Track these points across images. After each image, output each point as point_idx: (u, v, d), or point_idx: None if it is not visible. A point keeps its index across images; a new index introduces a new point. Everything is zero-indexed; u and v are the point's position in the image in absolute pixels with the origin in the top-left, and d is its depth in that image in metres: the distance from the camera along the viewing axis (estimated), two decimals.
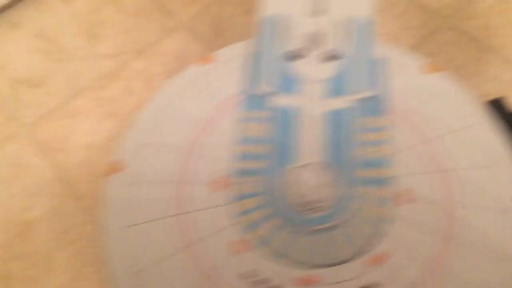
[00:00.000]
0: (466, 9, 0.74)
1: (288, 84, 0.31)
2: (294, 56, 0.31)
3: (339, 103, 0.30)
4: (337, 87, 0.30)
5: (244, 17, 0.77)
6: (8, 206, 0.64)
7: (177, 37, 0.77)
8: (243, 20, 0.77)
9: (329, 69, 0.31)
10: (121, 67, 0.75)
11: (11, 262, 0.61)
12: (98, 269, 0.59)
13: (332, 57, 0.31)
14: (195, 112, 0.31)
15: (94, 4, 0.81)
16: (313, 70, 0.31)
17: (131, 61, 0.75)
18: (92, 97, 0.72)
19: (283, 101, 0.30)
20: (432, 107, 0.30)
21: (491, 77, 0.68)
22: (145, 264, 0.27)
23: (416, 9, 0.75)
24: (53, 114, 0.71)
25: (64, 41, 0.78)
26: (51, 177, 0.67)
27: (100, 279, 0.59)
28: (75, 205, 0.64)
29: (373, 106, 0.30)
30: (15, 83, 0.75)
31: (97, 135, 0.69)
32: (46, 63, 0.76)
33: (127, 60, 0.75)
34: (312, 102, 0.30)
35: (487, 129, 0.30)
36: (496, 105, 0.31)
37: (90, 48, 0.77)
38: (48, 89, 0.74)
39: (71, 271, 0.60)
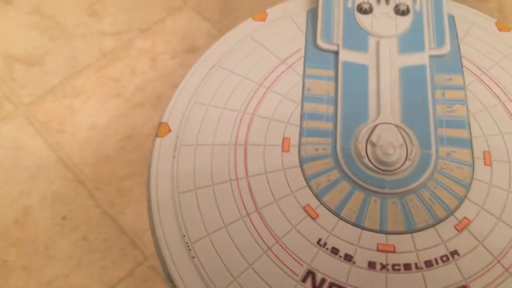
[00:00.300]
0: None
1: (354, 39, 0.28)
2: (361, 10, 0.29)
3: (413, 59, 0.27)
4: (409, 43, 0.28)
5: None
6: (4, 191, 0.60)
7: (182, 16, 0.74)
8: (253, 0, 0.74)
9: (399, 24, 0.28)
10: (124, 45, 0.71)
11: (8, 250, 0.57)
12: (103, 256, 0.56)
13: (402, 11, 0.28)
14: (251, 71, 0.28)
15: None
16: (382, 25, 0.29)
17: (134, 40, 0.71)
18: (94, 76, 0.68)
19: (351, 57, 0.27)
20: (506, 66, 0.28)
21: None
22: (208, 231, 0.24)
23: None
24: (52, 93, 0.67)
25: (62, 18, 0.74)
26: (51, 159, 0.63)
27: (103, 267, 0.55)
28: (77, 189, 0.60)
29: (448, 63, 0.28)
30: (11, 61, 0.71)
31: (100, 116, 0.65)
32: (44, 41, 0.72)
33: (130, 38, 0.72)
34: (383, 59, 0.27)
35: None
36: None
37: (90, 25, 0.73)
38: (47, 68, 0.69)
39: (72, 259, 0.56)
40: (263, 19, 0.33)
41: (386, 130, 0.27)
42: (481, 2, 0.72)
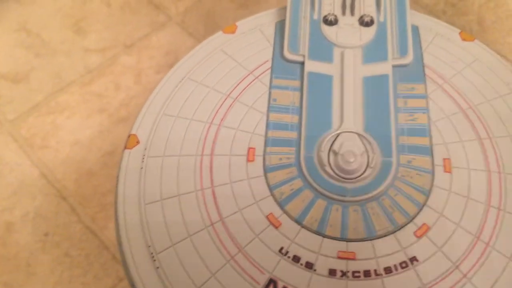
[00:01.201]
0: (458, 5, 0.74)
1: (320, 50, 0.29)
2: (327, 21, 0.29)
3: (376, 69, 0.28)
4: (372, 53, 0.29)
5: (237, 11, 0.75)
6: None
7: (167, 32, 0.75)
8: (236, 14, 0.75)
9: (364, 35, 0.29)
10: (109, 61, 0.72)
11: None
12: (84, 272, 0.55)
13: (366, 22, 0.29)
14: (219, 83, 0.29)
15: None
16: (347, 36, 0.29)
17: (119, 56, 0.72)
18: (78, 93, 0.68)
19: (316, 67, 0.28)
20: (468, 75, 0.28)
21: None
22: (173, 241, 0.24)
23: (411, 4, 0.74)
24: (37, 110, 0.67)
25: (48, 35, 0.74)
26: (34, 175, 0.63)
27: (84, 283, 0.55)
28: (59, 204, 0.60)
29: (411, 73, 0.28)
30: None
31: (84, 132, 0.65)
32: (29, 57, 0.73)
33: (115, 54, 0.72)
34: (348, 69, 0.28)
35: None
36: None
37: (76, 42, 0.74)
38: (32, 85, 0.70)
39: (53, 276, 0.56)
40: (233, 32, 0.34)
41: (348, 139, 0.27)
42: (461, 16, 0.73)
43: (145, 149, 0.29)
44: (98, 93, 0.68)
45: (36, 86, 0.69)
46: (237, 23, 0.34)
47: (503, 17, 0.72)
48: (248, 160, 0.28)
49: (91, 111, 0.67)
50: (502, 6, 0.73)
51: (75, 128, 0.65)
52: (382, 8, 0.32)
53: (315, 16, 0.32)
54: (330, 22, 0.31)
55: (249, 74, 0.31)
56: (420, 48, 0.31)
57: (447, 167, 0.27)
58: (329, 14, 0.32)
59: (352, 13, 0.32)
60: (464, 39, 0.32)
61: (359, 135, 0.27)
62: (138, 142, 0.29)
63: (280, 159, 0.28)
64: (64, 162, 0.63)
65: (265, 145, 0.28)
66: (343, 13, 0.32)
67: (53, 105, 0.67)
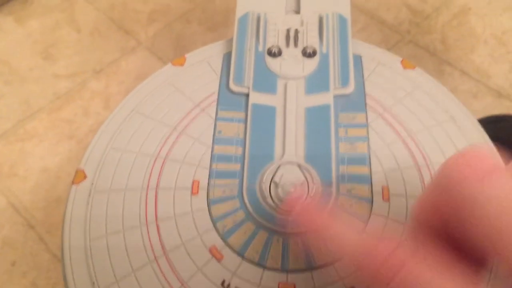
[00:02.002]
0: (422, 24, 0.76)
1: (264, 82, 0.30)
2: (271, 53, 0.30)
3: (318, 99, 0.29)
4: (314, 84, 0.30)
5: (206, 35, 0.76)
6: None
7: (136, 56, 0.75)
8: (205, 37, 0.76)
9: (306, 66, 0.30)
10: (78, 87, 0.72)
11: None
12: None
13: (309, 54, 0.30)
14: (166, 116, 0.30)
15: (48, 24, 0.79)
16: (290, 67, 0.30)
17: (88, 81, 0.72)
18: (47, 119, 0.69)
19: (260, 99, 0.29)
20: (408, 103, 0.29)
21: (451, 88, 0.69)
22: (117, 277, 0.24)
23: (376, 25, 0.76)
24: (4, 138, 0.67)
25: (17, 62, 0.75)
26: (1, 204, 0.62)
27: None
28: (27, 233, 0.60)
29: (353, 102, 0.29)
30: None
31: (52, 159, 0.65)
32: None
33: (84, 80, 0.73)
34: (290, 100, 0.29)
35: (462, 124, 0.29)
36: None
37: (45, 69, 0.74)
38: (0, 112, 0.70)
39: None
40: (182, 64, 0.34)
41: (288, 170, 0.28)
42: (425, 34, 0.75)
43: (92, 184, 0.29)
44: (67, 119, 0.69)
45: (4, 113, 0.69)
46: (186, 55, 0.35)
47: (466, 35, 0.74)
48: (192, 193, 0.28)
49: (60, 137, 0.67)
50: (465, 25, 0.75)
51: (43, 155, 0.65)
52: (324, 39, 0.32)
53: (260, 48, 0.33)
54: (274, 53, 0.32)
55: (195, 107, 0.31)
56: (362, 77, 0.32)
57: (385, 195, 0.27)
58: (273, 46, 0.32)
59: (296, 44, 0.32)
60: (405, 67, 0.33)
61: (299, 165, 0.28)
62: (85, 177, 0.30)
63: (224, 191, 0.28)
64: (33, 190, 0.63)
65: (209, 177, 0.28)
66: (287, 44, 0.33)
67: (21, 132, 0.67)
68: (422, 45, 0.73)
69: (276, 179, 0.27)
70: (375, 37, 0.74)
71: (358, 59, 0.33)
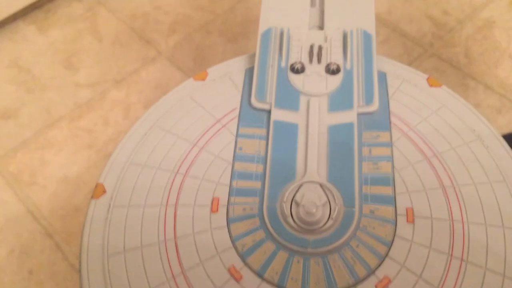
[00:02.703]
0: (445, 38, 0.75)
1: (286, 98, 0.29)
2: (293, 70, 0.30)
3: (341, 117, 0.28)
4: (338, 101, 0.29)
5: (226, 46, 0.76)
6: None
7: (157, 67, 0.76)
8: (225, 48, 0.76)
9: (330, 83, 0.29)
10: (99, 97, 0.72)
11: None
12: None
13: (332, 70, 0.29)
14: (187, 131, 0.30)
15: (71, 33, 0.79)
16: (313, 84, 0.30)
17: (109, 91, 0.73)
18: (67, 128, 0.69)
19: (282, 116, 0.29)
20: (434, 122, 0.29)
21: (475, 103, 0.67)
22: None
23: (398, 37, 0.75)
24: (25, 146, 0.68)
25: (39, 71, 0.76)
26: (20, 212, 0.63)
27: None
28: (45, 242, 0.60)
29: (377, 120, 0.29)
30: None
31: (72, 167, 0.66)
32: (20, 93, 0.73)
33: (104, 90, 0.73)
34: (313, 117, 0.29)
35: (489, 144, 0.28)
36: None
37: (66, 78, 0.75)
38: (21, 120, 0.71)
39: None
40: (203, 79, 0.34)
41: (310, 189, 0.27)
42: (448, 48, 0.74)
43: (111, 198, 0.29)
44: (86, 128, 0.69)
45: (26, 121, 0.70)
46: (208, 70, 0.34)
47: (489, 49, 0.73)
48: (212, 211, 0.28)
49: (79, 146, 0.67)
50: (489, 38, 0.74)
51: (63, 164, 0.66)
52: (348, 56, 0.32)
53: (283, 64, 0.32)
54: (297, 70, 0.32)
55: (216, 122, 0.31)
56: (387, 94, 0.31)
57: (410, 217, 0.27)
58: (296, 62, 0.32)
59: (319, 61, 0.32)
60: (431, 85, 0.32)
61: (321, 185, 0.27)
62: (104, 192, 0.29)
63: (244, 209, 0.28)
64: (51, 198, 0.63)
65: (229, 195, 0.28)
66: (310, 61, 0.32)
67: (41, 141, 0.68)
68: (445, 59, 0.72)
69: (298, 198, 0.27)
70: (397, 50, 0.73)
71: (382, 76, 0.33)
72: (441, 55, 0.73)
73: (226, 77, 0.34)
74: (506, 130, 0.63)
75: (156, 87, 0.73)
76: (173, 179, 0.29)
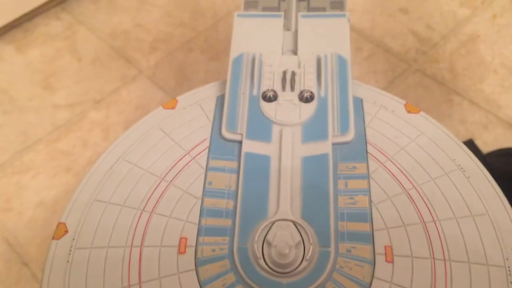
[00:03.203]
0: (429, 53, 0.74)
1: (258, 129, 0.28)
2: (265, 98, 0.28)
3: (316, 148, 0.27)
4: (312, 131, 0.28)
5: (208, 64, 0.75)
6: None
7: (137, 85, 0.74)
8: (207, 66, 0.75)
9: (303, 112, 0.28)
10: (77, 118, 0.70)
11: None
12: None
13: (306, 98, 0.28)
14: (154, 164, 0.28)
15: (49, 53, 0.78)
16: (286, 113, 0.28)
17: (88, 112, 0.71)
18: (45, 151, 0.67)
19: (254, 147, 0.27)
20: (412, 151, 0.27)
21: (459, 119, 0.66)
22: None
23: (382, 53, 0.74)
24: (1, 170, 0.65)
25: (16, 92, 0.74)
26: None
27: None
28: (21, 271, 0.58)
29: (353, 150, 0.27)
30: None
31: (49, 192, 0.64)
32: None
33: (83, 110, 0.71)
34: (286, 149, 0.27)
35: (471, 175, 0.27)
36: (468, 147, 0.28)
37: (44, 98, 0.73)
38: None
39: None
40: (173, 107, 0.32)
41: (283, 228, 0.26)
42: (433, 63, 0.73)
43: (73, 239, 0.27)
44: (65, 151, 0.67)
45: (2, 144, 0.68)
46: (178, 98, 0.33)
47: (474, 63, 0.72)
48: (179, 252, 0.26)
49: (57, 169, 0.65)
50: (474, 53, 0.73)
51: (39, 188, 0.64)
52: (323, 82, 0.31)
53: (254, 92, 0.31)
54: (269, 98, 0.30)
55: (185, 155, 0.30)
56: (363, 122, 0.30)
57: (389, 256, 0.25)
58: (268, 89, 0.31)
59: (292, 88, 0.31)
60: (409, 111, 0.31)
61: (295, 223, 0.26)
62: (66, 232, 0.28)
63: (213, 250, 0.26)
64: (27, 225, 0.61)
65: (198, 234, 0.26)
66: (283, 88, 0.31)
67: (18, 164, 0.66)
68: (430, 74, 0.71)
69: (269, 238, 0.25)
70: (381, 65, 0.73)
71: (358, 102, 0.31)
72: (425, 71, 0.72)
73: (197, 105, 0.32)
74: (493, 147, 0.62)
75: (136, 107, 0.72)
76: (139, 217, 0.28)
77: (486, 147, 0.62)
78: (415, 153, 0.29)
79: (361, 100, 0.31)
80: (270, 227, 0.26)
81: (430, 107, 0.67)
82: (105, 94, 0.73)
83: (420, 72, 0.71)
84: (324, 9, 0.36)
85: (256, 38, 0.33)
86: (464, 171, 0.28)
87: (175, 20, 0.81)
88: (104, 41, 0.79)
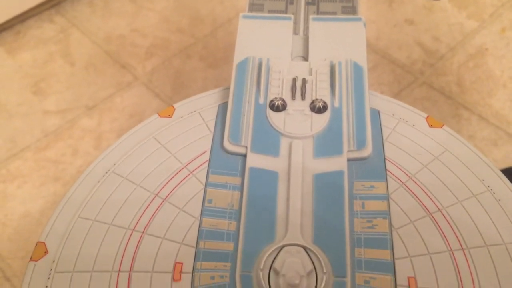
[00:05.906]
0: (436, 65, 0.71)
1: (265, 141, 0.26)
2: (272, 107, 0.26)
3: (329, 164, 0.24)
4: (325, 145, 0.25)
5: (207, 71, 0.72)
6: None
7: (132, 92, 0.71)
8: (206, 74, 0.72)
9: (315, 123, 0.25)
10: (68, 125, 0.67)
11: None
12: None
13: (318, 108, 0.25)
14: (147, 178, 0.25)
15: (41, 57, 0.75)
16: (296, 124, 0.26)
17: (79, 119, 0.68)
18: (32, 159, 0.64)
19: (259, 162, 0.24)
20: (436, 169, 0.24)
21: (468, 135, 0.64)
22: None
23: (387, 64, 0.71)
24: None
25: (5, 97, 0.70)
26: None
27: None
28: (2, 286, 0.54)
29: (371, 167, 0.24)
30: None
31: (36, 203, 0.60)
32: None
33: (75, 117, 0.68)
34: (296, 164, 0.24)
35: (502, 197, 0.24)
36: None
37: (33, 104, 0.69)
38: None
39: None
40: (170, 115, 0.29)
41: (292, 254, 0.22)
42: (440, 76, 0.71)
43: (53, 261, 0.24)
44: (53, 159, 0.64)
45: None
46: (175, 105, 0.30)
47: (483, 77, 0.70)
48: (173, 279, 0.23)
49: (44, 179, 0.62)
50: (482, 66, 0.71)
51: (25, 198, 0.60)
52: (337, 91, 0.28)
53: (261, 100, 0.28)
54: (277, 107, 0.27)
55: (183, 168, 0.27)
56: (381, 137, 0.27)
57: None
58: (276, 98, 0.28)
59: (303, 97, 0.28)
60: (431, 126, 0.28)
61: (306, 248, 0.23)
62: (46, 253, 0.24)
63: (212, 277, 0.23)
64: (11, 237, 0.57)
65: (195, 259, 0.23)
66: (293, 97, 0.28)
67: (3, 173, 0.63)
68: (437, 87, 0.69)
69: (277, 266, 0.22)
70: (386, 77, 0.70)
71: (375, 114, 0.28)
72: (432, 84, 0.69)
73: (196, 113, 0.29)
74: (503, 165, 0.59)
75: (131, 115, 0.69)
76: (129, 238, 0.24)
77: (496, 165, 0.59)
78: (439, 172, 0.26)
79: (378, 112, 0.28)
80: (278, 253, 0.23)
81: (440, 121, 0.64)
82: (98, 100, 0.70)
83: (427, 84, 0.69)
84: (335, 14, 0.34)
85: (263, 41, 0.31)
86: (494, 193, 0.25)
87: (173, 25, 0.78)
88: (98, 45, 0.76)
